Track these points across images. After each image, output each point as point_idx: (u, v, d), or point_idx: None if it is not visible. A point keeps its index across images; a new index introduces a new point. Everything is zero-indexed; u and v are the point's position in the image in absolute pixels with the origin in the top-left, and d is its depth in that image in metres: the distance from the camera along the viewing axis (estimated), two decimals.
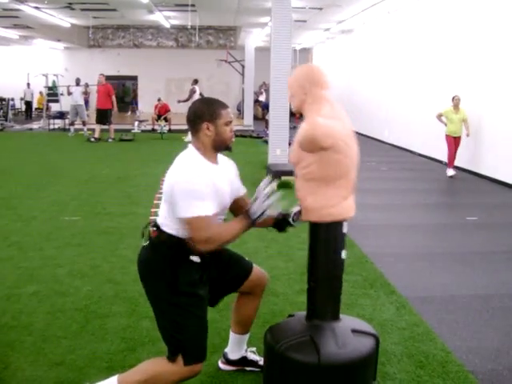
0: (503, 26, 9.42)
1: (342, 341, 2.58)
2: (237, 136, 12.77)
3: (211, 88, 23.72)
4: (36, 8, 16.13)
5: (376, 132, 16.42)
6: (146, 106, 24.75)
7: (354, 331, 2.68)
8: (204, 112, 2.39)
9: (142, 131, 17.26)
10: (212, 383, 2.91)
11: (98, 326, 3.55)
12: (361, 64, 18.53)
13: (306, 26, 18.41)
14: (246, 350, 3.03)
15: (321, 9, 14.95)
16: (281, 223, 2.70)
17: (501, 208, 7.75)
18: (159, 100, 17.96)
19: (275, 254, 5.21)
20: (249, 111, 20.38)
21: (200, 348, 2.43)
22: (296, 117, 19.41)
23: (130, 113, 25.16)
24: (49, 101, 19.67)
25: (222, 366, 3.04)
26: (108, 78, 25.65)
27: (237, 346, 2.99)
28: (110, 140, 14.88)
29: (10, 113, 21.22)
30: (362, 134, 16.19)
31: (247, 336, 2.98)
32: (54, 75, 19.88)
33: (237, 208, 2.63)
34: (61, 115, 18.45)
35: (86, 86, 18.03)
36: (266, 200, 2.43)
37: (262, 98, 24.37)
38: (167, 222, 2.41)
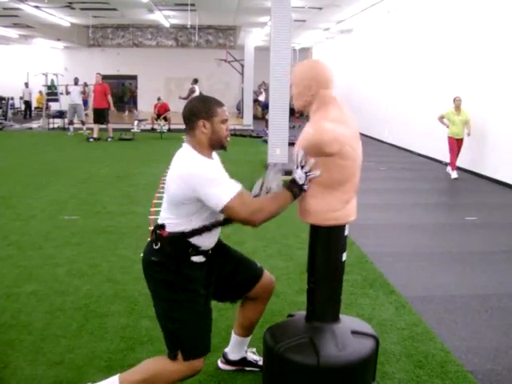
0: (506, 25, 9.38)
1: (341, 342, 2.58)
2: (236, 135, 12.89)
3: (211, 87, 23.72)
4: (36, 7, 16.12)
5: (376, 132, 16.43)
6: (145, 105, 24.78)
7: (354, 332, 2.68)
8: (200, 109, 2.39)
9: (142, 130, 17.25)
10: (211, 382, 2.91)
11: (97, 326, 3.55)
12: (360, 64, 18.54)
13: (306, 26, 18.42)
14: (246, 351, 3.03)
15: (320, 8, 14.96)
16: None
17: (500, 208, 7.75)
18: (159, 99, 17.95)
19: (275, 253, 5.21)
20: (248, 111, 20.39)
21: (199, 343, 2.43)
22: (296, 116, 19.40)
23: (127, 112, 25.14)
24: (48, 100, 19.67)
25: (221, 365, 3.04)
26: (108, 77, 25.81)
27: (238, 348, 2.99)
28: (109, 139, 14.88)
29: (10, 112, 21.22)
30: (362, 134, 16.05)
31: (249, 338, 2.98)
32: (54, 74, 19.88)
33: None
34: (60, 114, 18.46)
35: (85, 85, 18.03)
36: (302, 169, 2.45)
37: (261, 98, 24.39)
38: (170, 221, 2.41)
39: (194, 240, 2.41)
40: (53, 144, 14.53)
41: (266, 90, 19.79)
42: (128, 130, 16.75)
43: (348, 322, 2.82)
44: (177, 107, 17.98)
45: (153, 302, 2.50)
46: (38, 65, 23.75)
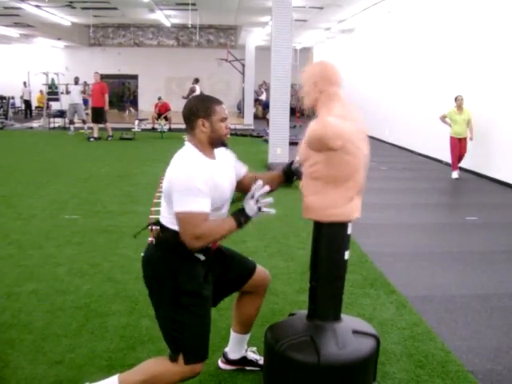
0: (509, 22, 9.33)
1: (342, 341, 2.58)
2: (237, 135, 12.88)
3: (212, 87, 23.73)
4: (37, 6, 16.14)
5: (376, 131, 16.42)
6: (146, 104, 24.79)
7: (355, 332, 2.68)
8: (199, 109, 2.40)
9: (142, 130, 17.25)
10: (211, 382, 2.91)
11: (97, 325, 3.55)
12: (361, 64, 18.54)
13: (307, 26, 18.41)
14: (246, 350, 3.03)
15: (321, 8, 14.95)
16: (288, 175, 2.72)
17: (501, 208, 7.75)
18: (159, 99, 17.95)
19: (275, 253, 5.21)
20: (249, 110, 20.38)
21: (201, 347, 2.42)
22: (296, 116, 19.41)
23: (127, 112, 25.14)
24: (49, 99, 19.68)
25: (221, 365, 3.04)
26: (108, 76, 25.88)
27: (237, 346, 2.98)
28: (109, 138, 14.89)
29: (11, 111, 21.23)
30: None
31: (248, 336, 2.97)
32: (55, 74, 19.88)
33: (245, 186, 2.62)
34: (61, 114, 18.46)
35: (85, 84, 18.05)
36: (261, 199, 2.40)
37: (262, 97, 24.40)
38: (170, 218, 2.41)
39: None
40: (53, 143, 14.53)
41: (267, 90, 19.78)
42: (129, 129, 16.75)
43: (349, 321, 2.82)
44: (177, 107, 17.99)
45: (152, 302, 2.48)
46: (39, 64, 23.76)
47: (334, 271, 2.68)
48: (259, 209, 2.40)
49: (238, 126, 18.13)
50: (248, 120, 20.07)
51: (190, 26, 20.04)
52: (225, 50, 22.21)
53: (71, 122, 16.65)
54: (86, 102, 17.66)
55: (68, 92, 16.45)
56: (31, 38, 24.04)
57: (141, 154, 12.39)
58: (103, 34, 25.63)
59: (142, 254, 2.52)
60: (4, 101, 20.86)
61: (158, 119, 17.23)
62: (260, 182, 2.42)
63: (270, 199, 2.42)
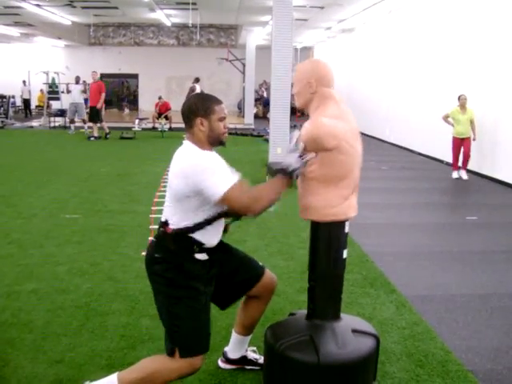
0: None
1: (341, 341, 2.58)
2: (237, 134, 12.84)
3: (212, 86, 23.71)
4: (37, 6, 16.14)
5: (376, 131, 16.43)
6: (146, 104, 24.79)
7: (355, 331, 2.68)
8: (198, 107, 2.41)
9: (143, 129, 17.25)
10: (211, 381, 2.91)
11: (97, 324, 3.55)
12: (362, 63, 18.53)
13: (307, 25, 18.41)
14: (246, 350, 3.03)
15: (322, 7, 14.95)
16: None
17: (501, 208, 7.75)
18: (160, 98, 17.95)
19: (275, 252, 5.21)
20: (249, 110, 20.37)
21: (196, 341, 2.43)
22: (296, 115, 19.41)
23: (125, 111, 25.12)
24: (49, 98, 19.68)
25: (221, 364, 3.04)
26: (109, 76, 25.90)
27: (238, 346, 2.99)
28: (107, 136, 14.90)
29: (11, 110, 21.24)
30: (363, 133, 16.04)
31: (249, 337, 2.98)
32: (55, 73, 19.88)
33: None
34: (61, 113, 18.47)
35: (85, 84, 18.05)
36: (296, 153, 2.42)
37: (264, 95, 24.40)
38: (174, 218, 2.42)
39: (198, 236, 2.42)
40: (54, 143, 14.53)
41: (268, 89, 19.78)
42: (129, 128, 16.76)
43: (349, 320, 2.82)
44: (178, 106, 17.96)
45: (154, 299, 2.51)
46: (39, 63, 23.78)
47: (332, 270, 2.68)
48: (302, 158, 2.42)
49: (239, 126, 18.13)
50: (248, 119, 20.06)
51: (190, 25, 20.03)
52: (225, 49, 22.22)
53: (72, 122, 16.65)
54: (86, 101, 17.67)
55: (69, 91, 16.45)
56: (31, 37, 24.05)
57: (141, 154, 12.39)
58: (103, 34, 25.63)
59: (144, 253, 2.53)
60: (4, 100, 20.86)
61: (158, 118, 17.24)
62: (296, 134, 2.46)
63: (303, 145, 2.44)
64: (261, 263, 2.83)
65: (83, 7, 17.60)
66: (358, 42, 19.07)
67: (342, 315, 2.77)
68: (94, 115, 14.97)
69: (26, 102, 23.93)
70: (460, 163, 9.73)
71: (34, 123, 19.72)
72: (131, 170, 9.92)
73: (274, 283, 2.83)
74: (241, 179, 2.34)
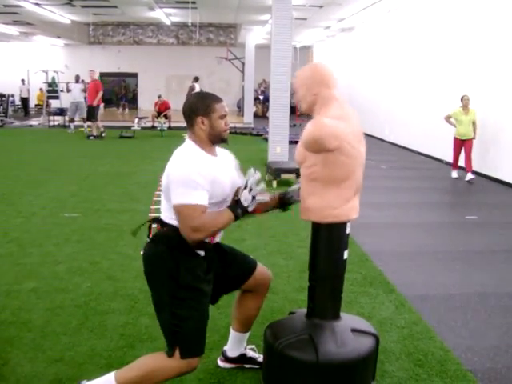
0: None
1: (341, 340, 2.58)
2: (237, 133, 12.82)
3: (211, 85, 23.69)
4: (36, 4, 16.11)
5: (376, 130, 16.43)
6: (146, 103, 24.78)
7: (354, 330, 2.68)
8: (198, 106, 2.42)
9: (142, 128, 17.25)
10: (211, 380, 2.92)
11: (97, 323, 3.56)
12: (361, 62, 18.52)
13: (307, 24, 18.40)
14: (245, 348, 3.03)
15: (321, 7, 14.94)
16: (284, 202, 2.73)
17: (501, 207, 7.76)
18: (159, 97, 17.94)
19: (275, 251, 5.21)
20: (249, 109, 20.37)
21: (197, 342, 2.43)
22: (296, 114, 19.39)
23: (121, 110, 25.11)
24: (49, 97, 19.65)
25: (220, 363, 3.05)
26: (108, 74, 25.85)
27: (237, 344, 2.99)
28: (103, 134, 14.82)
29: (10, 109, 21.22)
30: (363, 133, 16.17)
31: (247, 334, 2.98)
32: (54, 72, 19.86)
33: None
34: (61, 112, 18.44)
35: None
36: (255, 187, 2.42)
37: (262, 97, 24.41)
38: (169, 214, 2.42)
39: None
40: (53, 141, 14.53)
41: (267, 88, 19.77)
42: (128, 127, 16.75)
43: (348, 319, 2.82)
44: (177, 105, 17.99)
45: (152, 296, 2.49)
46: (39, 62, 23.76)
47: (332, 271, 2.68)
48: (253, 197, 2.41)
49: (238, 125, 18.10)
50: (248, 118, 20.06)
51: (189, 24, 20.01)
52: (225, 48, 22.20)
53: (71, 120, 16.63)
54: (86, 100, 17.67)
55: (69, 90, 16.39)
56: (31, 36, 24.02)
57: (140, 153, 12.38)
58: (103, 32, 25.60)
59: (142, 252, 2.53)
60: (3, 99, 20.84)
61: (157, 117, 17.23)
62: (252, 170, 2.44)
63: (261, 186, 2.44)
64: (253, 257, 2.83)
65: (82, 6, 17.58)
66: (357, 42, 19.07)
67: (342, 314, 2.77)
68: (90, 114, 14.95)
69: (25, 101, 23.89)
70: (464, 165, 9.55)
71: (34, 122, 19.70)
72: (130, 168, 9.92)
73: (268, 278, 2.83)
74: (201, 205, 2.29)
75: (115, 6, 17.99)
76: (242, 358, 3.02)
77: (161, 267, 2.42)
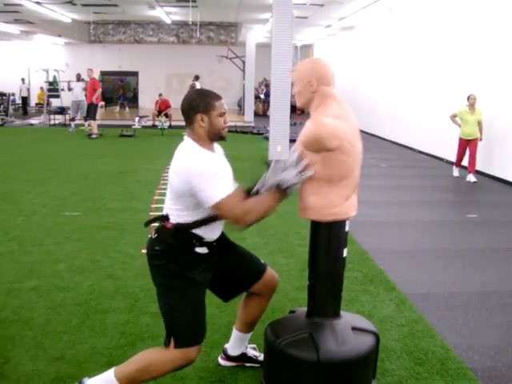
0: None
1: (341, 338, 2.58)
2: (237, 132, 12.82)
3: (212, 84, 23.68)
4: (37, 3, 16.10)
5: (377, 129, 16.43)
6: (146, 101, 24.77)
7: (354, 329, 2.68)
8: (198, 103, 2.42)
9: (143, 127, 17.25)
10: (211, 378, 2.92)
11: (97, 321, 3.56)
12: (362, 61, 18.51)
13: (307, 23, 18.38)
14: (247, 347, 3.04)
15: (322, 5, 14.93)
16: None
17: (502, 206, 7.75)
18: (160, 95, 17.93)
19: (275, 250, 5.21)
20: (249, 107, 20.36)
21: (192, 331, 2.44)
22: (296, 113, 19.39)
23: (118, 109, 25.11)
24: (49, 96, 19.65)
25: (221, 362, 3.05)
26: (109, 73, 25.85)
27: (238, 343, 2.99)
28: (93, 136, 14.49)
29: (11, 108, 21.22)
30: (363, 131, 16.18)
31: (249, 335, 2.99)
32: (55, 70, 19.86)
33: None
34: (61, 111, 18.44)
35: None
36: (295, 169, 2.43)
37: (262, 96, 24.38)
38: (174, 212, 2.44)
39: (198, 231, 2.44)
40: (54, 140, 14.53)
41: (267, 86, 19.73)
42: (129, 126, 16.75)
43: (348, 318, 2.82)
44: (178, 104, 17.91)
45: (156, 292, 2.53)
46: (39, 61, 23.75)
47: (332, 269, 2.68)
48: (300, 174, 2.43)
49: (239, 123, 18.10)
50: (248, 117, 20.05)
51: (190, 22, 19.99)
52: (225, 47, 22.18)
53: (72, 119, 16.62)
54: None
55: (70, 89, 16.36)
56: (31, 35, 24.01)
57: (141, 151, 12.38)
58: (103, 31, 25.59)
59: (144, 251, 2.54)
60: (4, 97, 20.84)
61: (158, 116, 17.22)
62: (296, 151, 2.46)
63: (305, 161, 2.45)
64: (263, 261, 2.84)
65: (83, 5, 17.56)
66: (358, 40, 19.05)
67: (342, 313, 2.77)
68: (88, 112, 14.91)
69: (24, 100, 23.87)
70: (467, 165, 9.43)
71: (34, 121, 19.70)
72: (131, 167, 9.92)
73: (276, 281, 2.84)
74: (237, 190, 2.35)
75: (116, 5, 17.97)
76: (243, 357, 3.02)
77: (160, 261, 2.45)
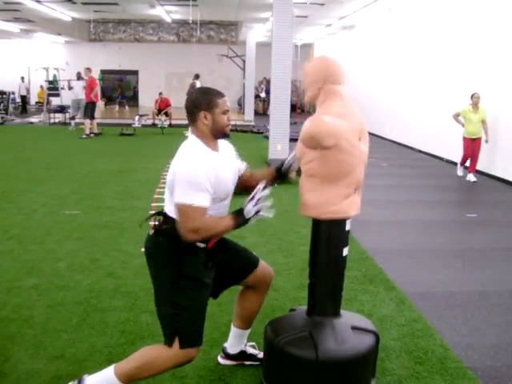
0: None
1: (340, 337, 2.59)
2: (237, 131, 12.84)
3: (212, 83, 23.63)
4: (37, 1, 16.09)
5: (377, 128, 16.42)
6: (146, 100, 24.77)
7: (354, 328, 2.68)
8: (201, 101, 2.43)
9: (143, 126, 17.25)
10: (211, 377, 2.92)
11: (97, 320, 3.56)
12: (362, 60, 18.51)
13: (308, 22, 18.37)
14: (246, 345, 3.04)
15: (322, 4, 14.92)
16: (281, 174, 2.80)
17: (501, 205, 7.76)
18: (160, 94, 17.92)
19: (275, 249, 5.21)
20: (250, 106, 20.36)
21: (196, 332, 2.45)
22: (297, 112, 19.38)
23: (117, 108, 25.08)
24: (49, 95, 19.63)
25: (221, 360, 3.06)
26: (109, 72, 25.84)
27: (237, 341, 2.99)
28: (83, 136, 14.32)
29: (11, 106, 21.21)
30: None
31: (248, 331, 2.98)
32: (55, 69, 19.84)
33: (242, 182, 2.69)
34: (61, 109, 18.43)
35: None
36: (261, 201, 2.44)
37: (262, 95, 24.36)
38: (171, 207, 2.44)
39: None
40: (54, 139, 14.52)
41: (268, 82, 19.68)
42: (129, 125, 16.75)
43: (348, 317, 2.83)
44: (178, 102, 17.96)
45: (154, 289, 2.51)
46: (39, 59, 23.74)
47: (332, 268, 2.69)
48: (256, 212, 2.44)
49: (239, 122, 18.10)
50: (248, 116, 20.04)
51: (190, 21, 19.98)
52: (225, 45, 22.17)
53: (72, 118, 16.60)
54: None
55: (70, 87, 16.33)
56: (31, 33, 24.00)
57: (141, 150, 12.38)
58: (104, 30, 25.55)
59: (143, 249, 2.54)
60: (4, 96, 20.83)
61: (158, 115, 17.22)
62: (260, 186, 2.46)
63: (267, 202, 2.45)
64: (255, 254, 2.85)
65: (83, 3, 17.55)
66: (358, 39, 19.05)
67: (342, 312, 2.78)
68: (85, 111, 14.87)
69: (23, 99, 23.84)
70: (460, 161, 9.52)
71: (34, 119, 19.69)
72: (131, 166, 9.92)
73: (270, 274, 2.85)
74: (202, 207, 2.31)
75: (116, 4, 17.96)
76: (243, 355, 3.03)
77: (162, 258, 2.45)
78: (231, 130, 2.64)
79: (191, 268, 2.42)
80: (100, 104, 21.46)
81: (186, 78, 22.24)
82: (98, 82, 16.06)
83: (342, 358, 2.54)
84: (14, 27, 21.94)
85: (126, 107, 25.45)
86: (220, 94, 2.47)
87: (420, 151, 13.01)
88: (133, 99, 27.41)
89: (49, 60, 22.94)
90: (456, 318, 3.80)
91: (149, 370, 2.43)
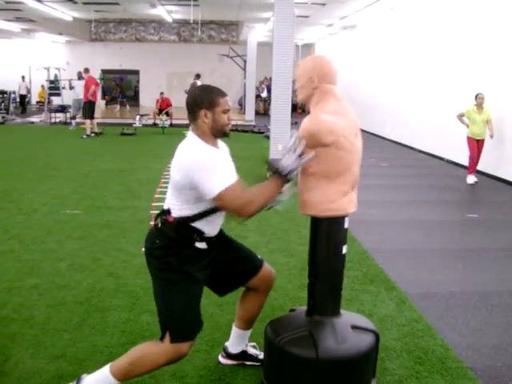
0: None
1: (341, 336, 2.59)
2: (238, 131, 12.83)
3: (213, 83, 22.55)
4: (38, 1, 16.09)
5: (377, 128, 16.42)
6: (147, 100, 24.77)
7: (354, 327, 2.69)
8: (203, 99, 2.43)
9: (144, 125, 17.25)
10: (212, 377, 2.93)
11: (98, 320, 3.57)
12: (363, 60, 18.50)
13: (309, 22, 18.37)
14: (247, 345, 3.04)
15: (324, 4, 14.91)
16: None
17: (502, 206, 7.75)
18: (161, 94, 17.93)
19: (276, 249, 5.21)
20: (250, 106, 20.35)
21: (187, 326, 2.46)
22: (297, 112, 19.40)
23: (118, 107, 25.08)
24: (50, 94, 19.64)
25: (222, 360, 3.06)
26: (110, 72, 25.84)
27: (238, 341, 3.00)
28: (84, 136, 14.29)
29: (12, 106, 21.21)
30: (364, 130, 16.11)
31: (249, 332, 2.99)
32: (56, 69, 19.85)
33: None
34: (62, 109, 18.43)
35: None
36: (294, 153, 2.42)
37: (263, 95, 24.35)
38: (175, 206, 2.45)
39: (198, 225, 2.45)
40: (54, 138, 14.53)
41: (269, 85, 19.70)
42: (130, 124, 16.75)
43: (348, 316, 2.83)
44: (179, 102, 17.97)
45: (153, 285, 2.54)
46: (40, 59, 23.74)
47: (332, 266, 2.69)
48: (301, 158, 2.41)
49: (239, 122, 18.09)
50: (249, 116, 20.04)
51: (191, 21, 19.97)
52: (226, 45, 22.17)
53: (73, 117, 16.60)
54: None
55: (71, 87, 16.32)
56: (32, 33, 24.00)
57: (142, 150, 12.38)
58: (105, 29, 25.55)
59: (143, 249, 2.54)
60: (5, 95, 20.83)
61: (159, 114, 17.23)
62: (295, 133, 2.46)
63: (302, 145, 2.42)
64: (260, 256, 2.85)
65: (84, 3, 17.55)
66: (359, 39, 19.04)
67: (342, 311, 2.78)
68: (83, 110, 14.87)
69: (22, 98, 23.82)
70: (468, 166, 9.25)
71: (35, 119, 19.70)
72: (132, 165, 9.92)
73: (272, 277, 2.85)
74: (238, 181, 2.35)
75: (117, 3, 17.96)
76: (243, 355, 3.03)
77: (160, 256, 2.47)
78: (232, 130, 2.64)
79: (185, 263, 2.44)
80: (101, 104, 21.46)
81: (186, 78, 22.24)
82: (98, 81, 16.05)
83: (342, 357, 2.54)
84: (16, 27, 21.95)
85: (127, 107, 25.44)
86: (222, 93, 2.47)
87: (421, 151, 13.00)
88: (134, 99, 27.40)
89: (50, 60, 22.93)
90: (456, 318, 3.80)
91: (141, 367, 2.45)
